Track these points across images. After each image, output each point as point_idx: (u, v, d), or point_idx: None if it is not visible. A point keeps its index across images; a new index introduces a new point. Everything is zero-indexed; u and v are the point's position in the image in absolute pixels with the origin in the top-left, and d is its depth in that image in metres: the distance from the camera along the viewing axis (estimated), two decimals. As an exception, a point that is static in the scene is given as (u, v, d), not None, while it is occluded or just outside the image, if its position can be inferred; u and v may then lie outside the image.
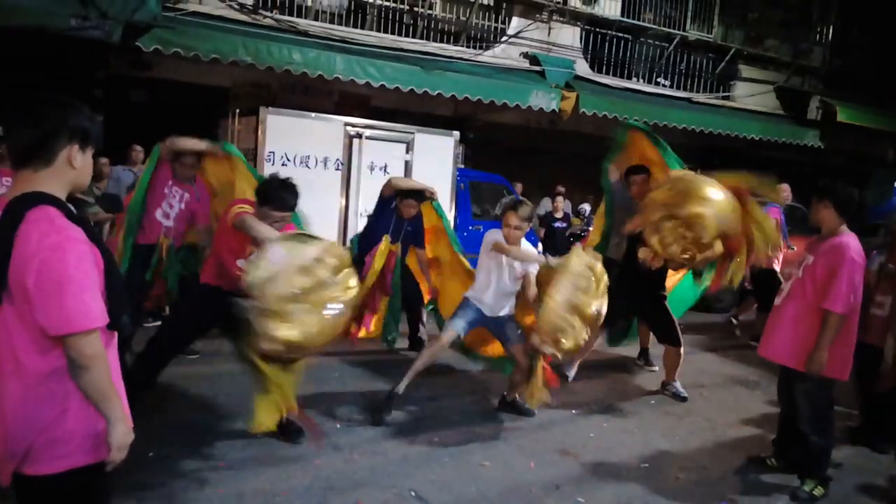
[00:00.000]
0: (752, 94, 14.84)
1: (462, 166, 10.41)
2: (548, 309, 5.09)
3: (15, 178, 2.17)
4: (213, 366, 6.30)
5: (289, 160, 8.72)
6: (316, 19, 10.76)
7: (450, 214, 9.59)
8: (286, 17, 10.34)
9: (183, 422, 5.12)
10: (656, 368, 7.40)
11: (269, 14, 10.20)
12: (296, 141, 8.77)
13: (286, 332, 3.81)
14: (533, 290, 5.60)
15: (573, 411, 6.17)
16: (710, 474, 5.07)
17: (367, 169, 9.14)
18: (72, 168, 2.18)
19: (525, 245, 5.74)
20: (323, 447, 4.87)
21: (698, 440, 5.75)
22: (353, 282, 4.09)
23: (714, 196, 5.46)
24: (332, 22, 10.94)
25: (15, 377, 2.07)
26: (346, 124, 9.15)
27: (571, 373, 6.93)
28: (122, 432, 2.19)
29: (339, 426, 5.36)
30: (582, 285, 5.15)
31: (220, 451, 4.67)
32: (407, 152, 9.35)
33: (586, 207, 12.46)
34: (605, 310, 5.31)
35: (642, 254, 5.98)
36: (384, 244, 6.69)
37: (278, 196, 4.61)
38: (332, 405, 5.76)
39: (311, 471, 4.54)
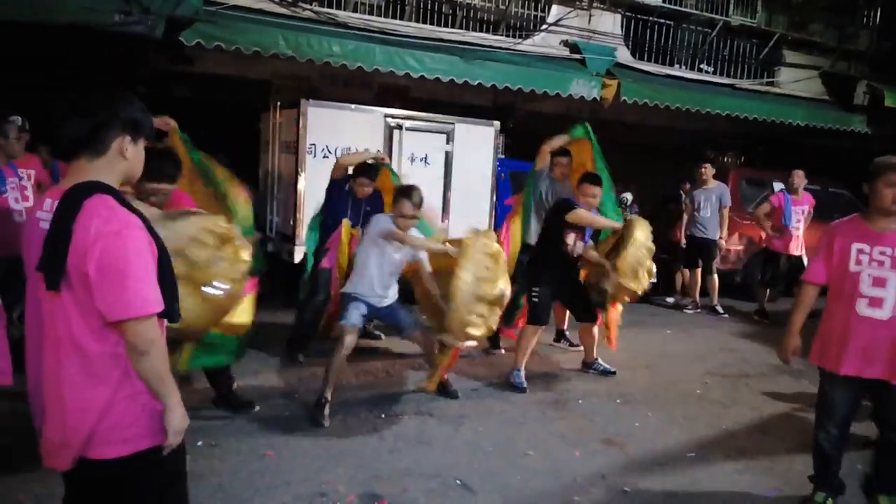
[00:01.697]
0: (796, 79, 14.55)
1: (502, 156, 10.36)
2: (456, 310, 5.06)
3: (68, 169, 2.19)
4: (259, 357, 6.36)
5: (330, 152, 8.74)
6: (355, 11, 10.77)
7: (489, 204, 9.59)
8: (325, 10, 10.36)
9: (230, 412, 5.17)
10: (580, 347, 7.14)
11: (308, 6, 10.22)
12: (336, 133, 8.78)
13: None
14: (426, 274, 5.61)
15: (617, 401, 6.13)
16: (757, 464, 5.01)
17: (407, 160, 9.13)
18: (124, 159, 2.21)
19: (414, 232, 5.57)
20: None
21: (744, 430, 5.68)
22: (245, 255, 3.78)
23: None
24: (370, 13, 10.94)
25: (75, 362, 2.10)
26: (387, 115, 9.14)
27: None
28: (179, 416, 2.23)
29: (383, 416, 5.38)
30: (483, 274, 5.14)
31: (268, 441, 4.72)
32: (447, 143, 9.32)
33: (628, 196, 12.31)
34: (508, 288, 5.39)
35: (570, 239, 6.23)
36: (345, 229, 6.50)
37: (151, 166, 4.09)
38: (375, 396, 5.78)
39: (356, 460, 4.57)
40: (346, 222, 6.52)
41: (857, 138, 14.72)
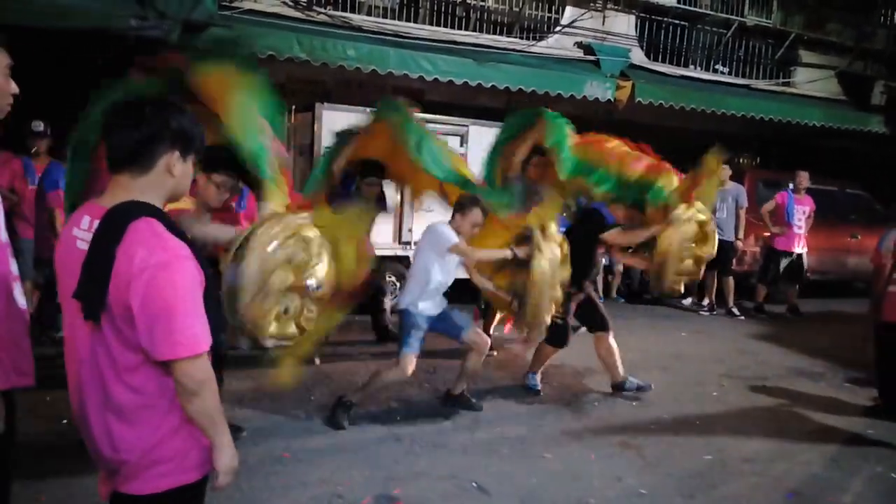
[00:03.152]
0: (812, 79, 14.47)
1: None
2: (536, 298, 5.15)
3: (111, 183, 2.06)
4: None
5: (345, 155, 8.75)
6: (369, 14, 10.80)
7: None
8: (339, 13, 10.39)
9: (247, 413, 5.20)
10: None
11: (322, 10, 10.26)
12: (351, 136, 8.80)
13: (279, 329, 3.46)
14: (472, 272, 5.58)
15: (633, 403, 6.11)
16: (775, 467, 4.98)
17: (421, 162, 9.14)
18: (171, 176, 2.06)
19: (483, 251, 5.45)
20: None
21: (762, 432, 5.64)
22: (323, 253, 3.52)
23: None
24: (384, 16, 10.96)
25: (116, 396, 1.98)
26: (401, 118, 9.16)
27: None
28: (230, 456, 2.09)
29: (399, 417, 5.39)
30: (557, 259, 5.30)
31: (284, 442, 4.74)
32: (461, 145, 9.32)
33: (643, 198, 12.30)
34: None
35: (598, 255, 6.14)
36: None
37: (222, 157, 3.91)
38: (391, 397, 5.79)
39: (372, 461, 4.58)
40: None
41: (874, 139, 14.62)
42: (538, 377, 6.27)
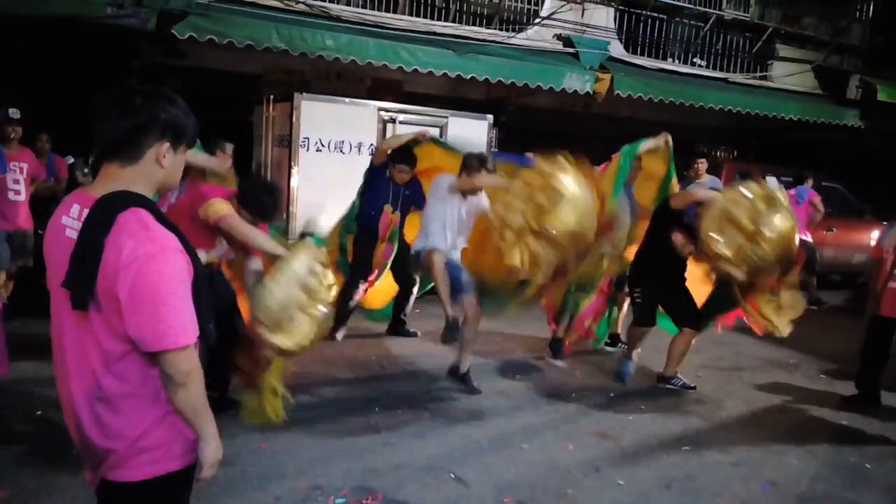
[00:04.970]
0: (789, 73, 14.57)
1: (496, 150, 10.36)
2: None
3: (101, 172, 2.04)
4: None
5: (323, 146, 8.73)
6: (348, 4, 10.72)
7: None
8: (318, 3, 10.31)
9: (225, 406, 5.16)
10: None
11: (301, 0, 10.19)
12: (330, 126, 8.78)
13: (283, 340, 3.81)
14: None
15: (611, 394, 6.14)
16: (750, 456, 5.02)
17: (400, 153, 9.14)
18: (160, 167, 2.04)
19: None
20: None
21: (738, 422, 5.70)
22: (332, 279, 3.99)
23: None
24: (364, 6, 10.90)
25: (103, 385, 1.97)
26: (380, 109, 9.14)
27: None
28: (214, 448, 2.11)
29: (377, 410, 5.38)
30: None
31: (262, 434, 4.70)
32: (441, 136, 9.32)
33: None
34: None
35: (677, 239, 5.98)
36: (389, 214, 6.69)
37: (260, 201, 4.60)
38: (370, 390, 5.78)
39: (351, 453, 4.56)
40: (388, 207, 6.69)
41: (850, 132, 14.76)
42: (632, 365, 6.51)
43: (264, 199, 4.60)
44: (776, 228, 5.38)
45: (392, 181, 6.73)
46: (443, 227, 5.71)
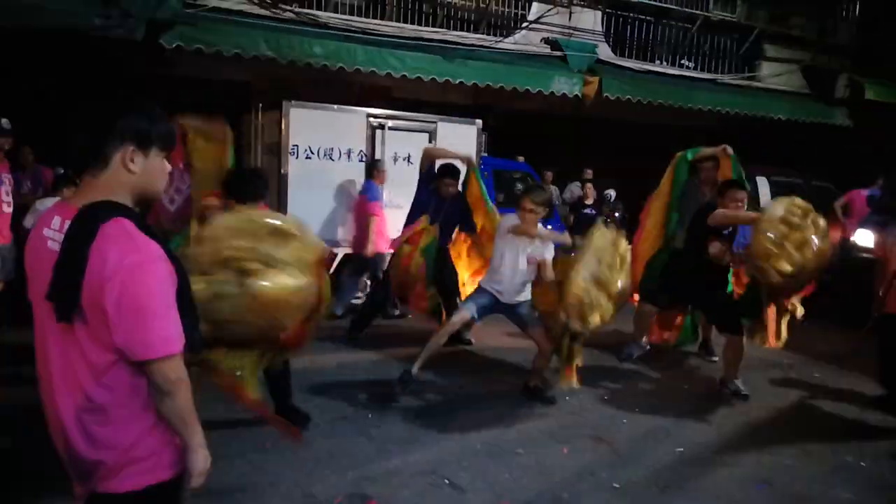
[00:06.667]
0: (777, 73, 14.61)
1: (485, 154, 10.37)
2: (573, 283, 5.23)
3: (81, 183, 2.06)
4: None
5: (313, 153, 8.72)
6: (336, 11, 10.72)
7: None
8: (306, 10, 10.30)
9: (219, 412, 5.13)
10: (716, 359, 7.26)
11: (288, 7, 10.17)
12: (319, 133, 8.77)
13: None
14: (549, 275, 5.61)
15: (605, 398, 6.13)
16: (746, 458, 5.02)
17: (390, 159, 9.13)
18: (129, 172, 2.03)
19: (541, 229, 5.81)
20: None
21: (733, 424, 5.69)
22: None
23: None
24: (351, 13, 10.88)
25: (91, 397, 1.96)
26: (369, 115, 9.14)
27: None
28: (203, 457, 2.13)
29: (370, 416, 5.36)
30: (606, 261, 5.34)
31: (255, 442, 4.69)
32: (430, 142, 9.32)
33: (611, 193, 12.34)
34: (629, 286, 5.60)
35: (713, 249, 6.05)
36: (422, 224, 6.72)
37: (249, 182, 4.92)
38: (363, 396, 5.76)
39: (344, 460, 4.55)
40: (424, 218, 6.73)
41: (839, 131, 14.80)
42: (636, 348, 6.86)
43: (253, 180, 4.95)
44: (819, 244, 5.58)
45: (437, 195, 6.84)
46: (505, 270, 5.74)
